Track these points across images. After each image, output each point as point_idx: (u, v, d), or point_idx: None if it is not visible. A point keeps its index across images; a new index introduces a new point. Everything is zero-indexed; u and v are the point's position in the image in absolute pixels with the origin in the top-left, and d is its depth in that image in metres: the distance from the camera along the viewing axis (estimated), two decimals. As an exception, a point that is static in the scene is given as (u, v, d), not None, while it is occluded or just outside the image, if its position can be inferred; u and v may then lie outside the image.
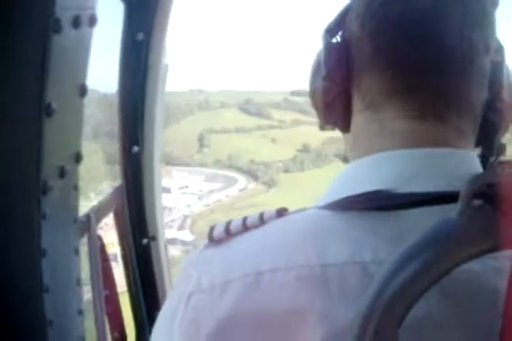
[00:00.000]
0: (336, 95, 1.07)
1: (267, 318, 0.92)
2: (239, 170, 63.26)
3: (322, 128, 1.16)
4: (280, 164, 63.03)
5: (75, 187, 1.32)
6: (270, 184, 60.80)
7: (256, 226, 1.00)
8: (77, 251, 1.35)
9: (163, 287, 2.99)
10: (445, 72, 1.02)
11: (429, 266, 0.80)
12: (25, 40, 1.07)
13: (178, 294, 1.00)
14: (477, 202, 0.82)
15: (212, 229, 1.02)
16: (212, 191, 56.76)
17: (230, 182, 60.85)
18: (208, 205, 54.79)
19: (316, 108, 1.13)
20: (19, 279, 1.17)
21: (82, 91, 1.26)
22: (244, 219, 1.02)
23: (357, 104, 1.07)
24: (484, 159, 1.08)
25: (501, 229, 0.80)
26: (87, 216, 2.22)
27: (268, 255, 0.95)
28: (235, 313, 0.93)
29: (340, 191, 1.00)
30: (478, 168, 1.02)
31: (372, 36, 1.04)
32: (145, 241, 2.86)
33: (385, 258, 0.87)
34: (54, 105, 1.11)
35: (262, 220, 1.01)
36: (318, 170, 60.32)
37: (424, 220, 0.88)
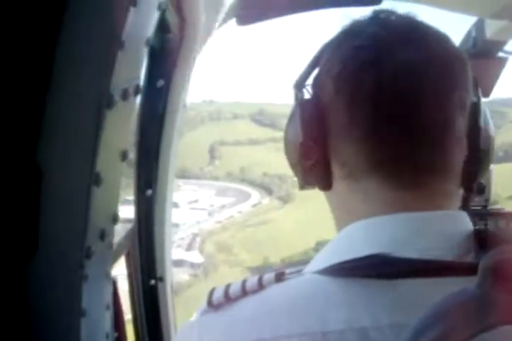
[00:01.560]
0: (314, 161, 1.07)
1: None
2: (252, 183, 60.16)
3: (302, 188, 1.17)
4: (296, 178, 59.27)
5: (111, 246, 1.36)
6: (286, 199, 57.09)
7: (255, 291, 1.01)
8: (108, 307, 1.39)
9: (168, 326, 3.02)
10: (426, 141, 1.02)
11: (446, 336, 0.81)
12: (79, 114, 1.12)
13: None
14: (493, 275, 0.84)
15: (211, 293, 1.04)
16: (223, 206, 52.85)
17: (243, 196, 57.18)
18: (219, 222, 51.01)
19: (293, 168, 1.13)
20: (59, 337, 1.20)
21: (124, 155, 1.30)
22: (244, 283, 1.02)
23: (337, 171, 1.07)
24: (466, 199, 1.10)
25: None
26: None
27: (269, 322, 0.96)
28: None
29: (335, 255, 1.01)
30: (470, 227, 1.03)
31: (348, 106, 1.02)
32: (152, 282, 2.90)
33: (385, 324, 0.91)
34: (102, 174, 1.16)
35: (260, 285, 1.02)
36: (336, 185, 58.06)
37: (422, 290, 0.91)
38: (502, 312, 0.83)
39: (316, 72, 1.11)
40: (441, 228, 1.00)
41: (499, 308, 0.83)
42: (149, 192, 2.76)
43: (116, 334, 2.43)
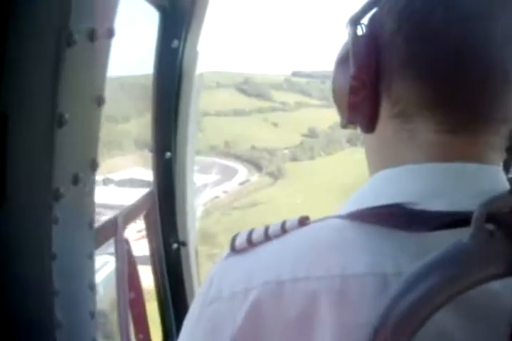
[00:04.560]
0: (363, 97, 1.03)
1: (285, 325, 0.93)
2: (238, 158, 52.70)
3: (344, 126, 1.12)
4: (286, 151, 52.29)
5: (91, 194, 1.36)
6: (277, 175, 50.35)
7: (278, 236, 1.01)
8: (91, 256, 1.39)
9: (192, 292, 3.03)
10: (484, 86, 0.98)
11: (440, 286, 0.80)
12: (39, 53, 1.11)
13: (200, 301, 1.02)
14: (489, 226, 0.81)
15: (234, 238, 1.03)
16: (206, 185, 44.25)
17: (229, 173, 49.99)
18: (202, 204, 41.68)
19: (339, 105, 1.09)
20: (30, 282, 1.21)
21: (99, 101, 1.29)
22: (267, 229, 1.02)
23: (386, 110, 1.03)
24: (507, 164, 1.06)
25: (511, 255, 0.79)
26: (114, 220, 2.28)
27: (289, 264, 0.96)
28: (254, 320, 0.95)
29: (363, 201, 0.99)
30: (504, 184, 0.98)
31: (409, 41, 0.99)
32: (175, 246, 2.91)
33: (406, 271, 0.87)
34: (67, 116, 1.15)
35: (283, 230, 1.01)
36: (331, 158, 51.13)
37: (448, 238, 0.87)
38: (496, 265, 0.80)
39: (375, 10, 1.05)
40: (475, 182, 0.97)
41: (492, 261, 0.80)
42: (168, 154, 2.77)
43: (132, 296, 2.46)
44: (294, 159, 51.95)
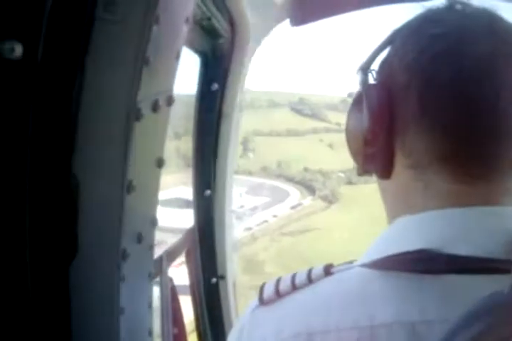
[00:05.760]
0: (378, 149, 1.06)
1: None
2: (290, 180, 50.30)
3: (360, 174, 1.15)
4: (341, 174, 49.62)
5: (151, 248, 1.44)
6: (331, 199, 48.07)
7: (304, 286, 1.04)
8: (150, 305, 1.47)
9: (230, 323, 3.10)
10: (497, 137, 1.00)
11: (483, 335, 0.82)
12: (109, 127, 1.20)
13: None
14: None
15: (261, 290, 1.07)
16: (255, 208, 41.14)
17: (280, 195, 47.06)
18: (249, 229, 40.04)
19: (354, 154, 1.12)
20: (99, 336, 1.29)
21: (160, 163, 1.38)
22: (293, 278, 1.06)
23: (400, 160, 1.05)
24: None
25: None
26: (160, 259, 2.36)
27: (318, 316, 0.99)
28: None
29: (384, 248, 1.02)
30: None
31: (421, 95, 1.01)
32: (214, 280, 2.99)
33: (433, 319, 0.92)
34: (134, 182, 1.24)
35: (309, 279, 1.04)
36: (388, 183, 48.29)
37: (470, 286, 0.92)
38: None
39: (384, 56, 1.09)
40: (492, 224, 0.99)
41: None
42: (208, 192, 2.85)
43: (175, 331, 2.53)
44: (349, 182, 48.91)
